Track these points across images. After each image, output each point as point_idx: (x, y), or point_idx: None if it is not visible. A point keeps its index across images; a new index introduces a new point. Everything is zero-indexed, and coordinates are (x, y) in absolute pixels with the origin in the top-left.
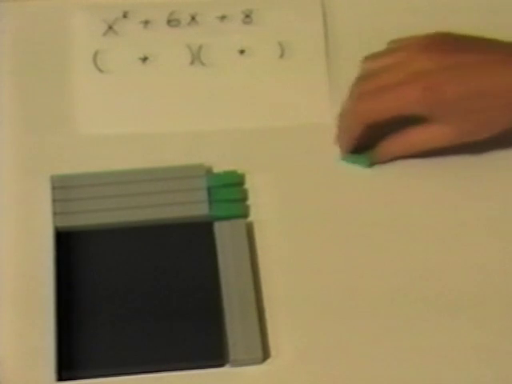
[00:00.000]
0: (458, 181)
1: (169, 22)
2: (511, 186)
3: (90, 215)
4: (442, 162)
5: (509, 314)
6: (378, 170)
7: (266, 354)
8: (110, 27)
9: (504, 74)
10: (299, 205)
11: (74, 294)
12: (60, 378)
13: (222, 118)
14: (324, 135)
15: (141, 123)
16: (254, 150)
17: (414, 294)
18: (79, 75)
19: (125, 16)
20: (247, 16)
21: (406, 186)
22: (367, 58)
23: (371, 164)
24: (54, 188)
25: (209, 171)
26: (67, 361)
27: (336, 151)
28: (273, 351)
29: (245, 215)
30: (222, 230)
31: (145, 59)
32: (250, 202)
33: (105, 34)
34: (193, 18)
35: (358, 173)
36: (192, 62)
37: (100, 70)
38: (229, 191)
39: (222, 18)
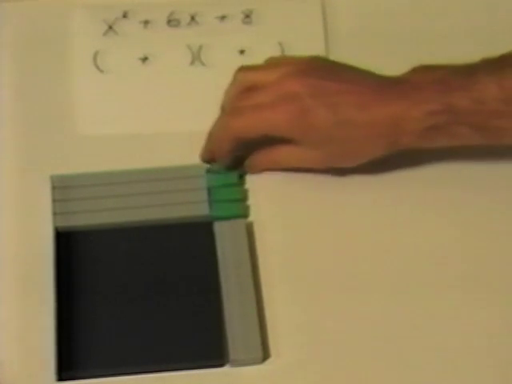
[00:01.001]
0: (458, 185)
1: (169, 21)
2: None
3: (90, 215)
4: (441, 169)
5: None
6: (379, 170)
7: (266, 354)
8: (110, 27)
9: (373, 106)
10: (299, 205)
11: (74, 294)
12: (60, 378)
13: None
14: None
15: (141, 123)
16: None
17: (415, 294)
18: (79, 75)
19: (125, 16)
20: (247, 16)
21: (406, 186)
22: (241, 70)
23: (240, 177)
24: (53, 188)
25: (209, 171)
26: (67, 361)
27: None
28: (273, 351)
29: (245, 215)
30: (222, 229)
31: (145, 59)
32: (250, 202)
33: (105, 34)
34: (193, 18)
35: (358, 173)
36: (192, 62)
37: (100, 70)
38: (229, 191)
39: (222, 18)
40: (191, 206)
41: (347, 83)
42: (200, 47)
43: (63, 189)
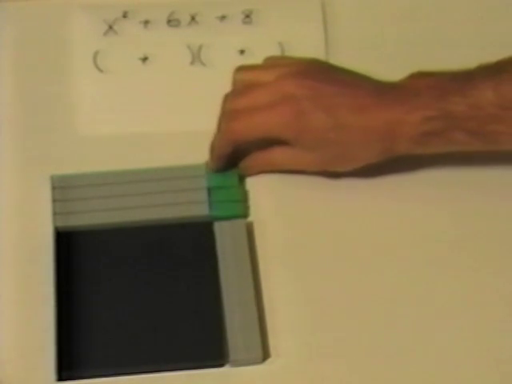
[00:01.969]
0: (455, 187)
1: (169, 21)
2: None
3: (90, 215)
4: (439, 170)
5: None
6: (378, 170)
7: (265, 354)
8: (110, 27)
9: (369, 110)
10: (299, 205)
11: (74, 294)
12: (60, 378)
13: None
14: None
15: (141, 123)
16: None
17: (415, 295)
18: (79, 75)
19: (125, 16)
20: (247, 16)
21: (406, 186)
22: (239, 69)
23: (240, 177)
24: (53, 188)
25: (209, 171)
26: (67, 361)
27: None
28: (273, 351)
29: (245, 215)
30: (222, 229)
31: (145, 59)
32: (250, 202)
33: (105, 34)
34: (193, 18)
35: (357, 173)
36: (192, 62)
37: (100, 70)
38: (229, 191)
39: (222, 17)
40: (191, 206)
41: (344, 86)
42: (200, 47)
43: (63, 189)
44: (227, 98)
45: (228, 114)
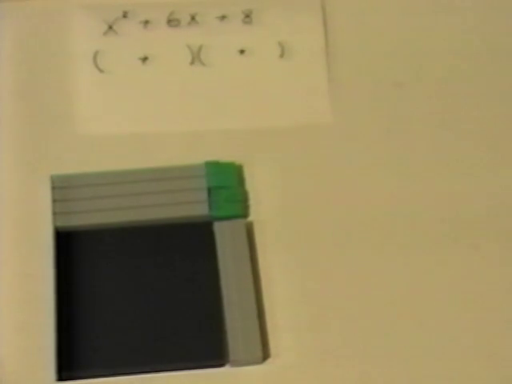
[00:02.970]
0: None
1: (169, 21)
2: None
3: (90, 215)
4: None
5: None
6: (380, 170)
7: (265, 354)
8: (110, 27)
9: None
10: (299, 205)
11: (74, 294)
12: (60, 378)
13: (222, 117)
14: (324, 135)
15: (141, 123)
16: (254, 150)
17: (416, 295)
18: (79, 75)
19: (125, 16)
20: (247, 16)
21: (407, 186)
22: None
23: (240, 179)
24: (53, 188)
25: (209, 171)
26: (67, 361)
27: (336, 151)
28: (273, 351)
29: (245, 215)
30: (222, 229)
31: (145, 59)
32: (250, 202)
33: (105, 34)
34: (193, 18)
35: (358, 173)
36: (192, 62)
37: (100, 70)
38: (229, 191)
39: (222, 17)
40: (191, 206)
41: None
42: (200, 47)
43: (63, 189)
44: None
45: None
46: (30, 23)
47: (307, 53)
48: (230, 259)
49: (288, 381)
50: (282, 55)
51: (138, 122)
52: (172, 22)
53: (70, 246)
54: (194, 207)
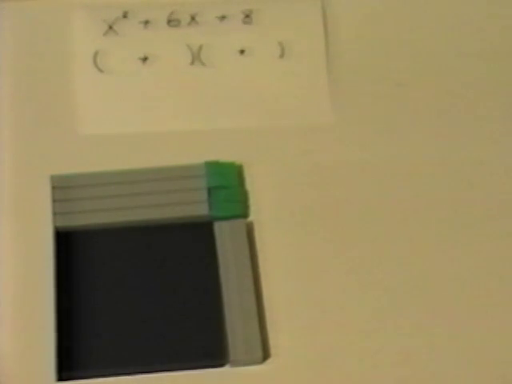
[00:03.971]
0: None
1: (169, 21)
2: None
3: (90, 215)
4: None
5: None
6: (380, 170)
7: (266, 354)
8: (110, 27)
9: None
10: (299, 205)
11: (74, 294)
12: (60, 378)
13: (222, 117)
14: (324, 135)
15: (141, 123)
16: (254, 149)
17: (416, 296)
18: (79, 75)
19: (125, 16)
20: (247, 16)
21: (407, 185)
22: None
23: (240, 179)
24: (53, 188)
25: (209, 171)
26: (67, 361)
27: (336, 151)
28: (273, 351)
29: (245, 215)
30: (222, 229)
31: (145, 59)
32: (250, 202)
33: (105, 34)
34: (193, 18)
35: (358, 173)
36: (192, 62)
37: (100, 70)
38: (229, 191)
39: (222, 17)
40: (191, 206)
41: None
42: (200, 47)
43: (63, 189)
44: None
45: None
46: (30, 23)
47: (307, 53)
48: (230, 259)
49: (288, 381)
50: (282, 55)
51: (138, 122)
52: (172, 22)
53: (69, 246)
54: (194, 207)
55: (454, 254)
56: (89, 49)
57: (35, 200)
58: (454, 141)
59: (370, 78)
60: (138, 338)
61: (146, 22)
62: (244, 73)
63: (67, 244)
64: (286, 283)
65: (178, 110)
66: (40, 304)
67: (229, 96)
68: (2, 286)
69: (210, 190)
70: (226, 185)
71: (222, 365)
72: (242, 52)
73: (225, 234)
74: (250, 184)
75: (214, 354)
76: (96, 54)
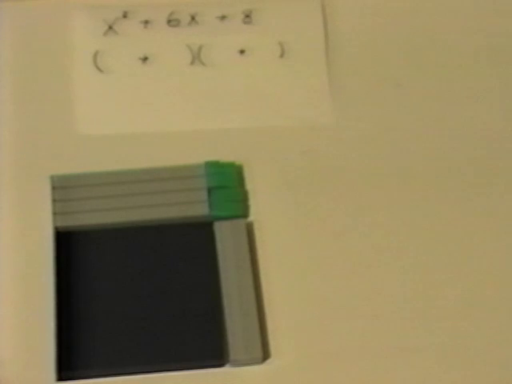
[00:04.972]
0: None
1: (169, 21)
2: None
3: (90, 215)
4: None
5: None
6: (380, 170)
7: (266, 354)
8: (110, 27)
9: None
10: (299, 205)
11: (74, 294)
12: (60, 378)
13: (222, 117)
14: (324, 135)
15: (141, 123)
16: (254, 149)
17: (416, 297)
18: (79, 75)
19: (125, 16)
20: (247, 16)
21: (407, 186)
22: None
23: (240, 179)
24: (53, 188)
25: (209, 171)
26: (67, 361)
27: (336, 151)
28: (273, 351)
29: (245, 215)
30: (222, 229)
31: (145, 59)
32: (250, 202)
33: (105, 34)
34: (193, 18)
35: (358, 173)
36: (192, 62)
37: (100, 70)
38: (229, 191)
39: (222, 17)
40: (191, 206)
41: None
42: (200, 47)
43: (63, 189)
44: None
45: None
46: (30, 23)
47: (307, 53)
48: (230, 259)
49: (288, 381)
50: (282, 55)
51: (138, 122)
52: (172, 21)
53: (69, 246)
54: (194, 207)
55: (453, 253)
56: (89, 49)
57: (35, 200)
58: (454, 141)
59: (369, 78)
60: (138, 338)
61: (146, 22)
62: (244, 73)
63: (67, 244)
64: (285, 283)
65: (177, 110)
66: (40, 304)
67: (229, 96)
68: (2, 286)
69: (209, 190)
70: (226, 185)
71: (221, 365)
72: (242, 52)
73: (225, 234)
74: (250, 184)
75: (213, 354)
76: (96, 54)
